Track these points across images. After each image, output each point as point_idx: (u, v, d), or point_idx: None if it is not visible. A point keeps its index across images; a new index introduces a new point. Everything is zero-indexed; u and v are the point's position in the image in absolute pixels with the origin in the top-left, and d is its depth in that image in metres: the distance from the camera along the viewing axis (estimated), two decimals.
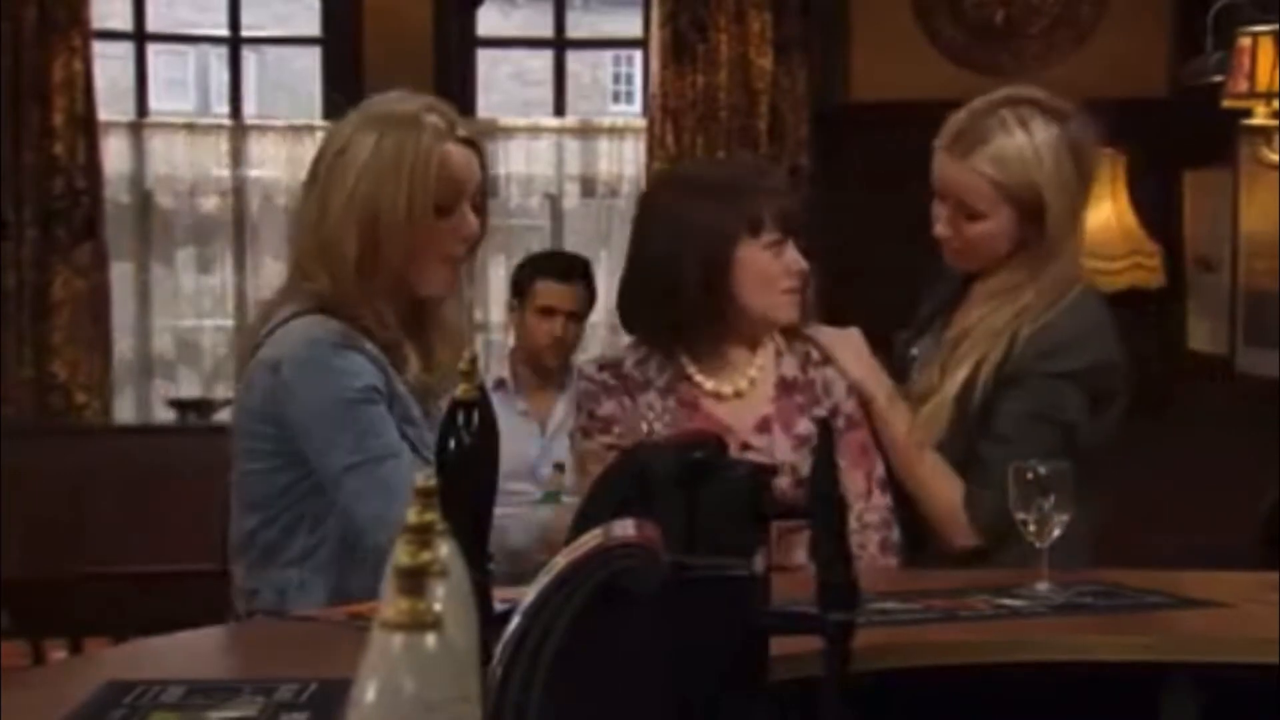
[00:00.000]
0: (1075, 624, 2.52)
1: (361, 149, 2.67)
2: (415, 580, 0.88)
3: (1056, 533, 2.65)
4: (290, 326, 2.67)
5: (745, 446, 2.82)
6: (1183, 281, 5.96)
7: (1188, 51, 5.98)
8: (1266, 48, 4.07)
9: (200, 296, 6.60)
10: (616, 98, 11.24)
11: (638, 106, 8.94)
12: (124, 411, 6.36)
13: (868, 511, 2.88)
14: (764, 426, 2.86)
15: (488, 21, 6.56)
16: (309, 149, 6.51)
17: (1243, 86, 4.12)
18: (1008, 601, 2.59)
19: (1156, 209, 5.93)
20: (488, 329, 6.58)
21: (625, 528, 1.62)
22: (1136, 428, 5.55)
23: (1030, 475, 2.65)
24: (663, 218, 2.90)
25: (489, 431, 1.75)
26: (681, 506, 1.96)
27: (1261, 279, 5.45)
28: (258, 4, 7.21)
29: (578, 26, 6.91)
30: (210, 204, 6.55)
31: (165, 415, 6.32)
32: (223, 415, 6.23)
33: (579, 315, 4.77)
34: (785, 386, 2.90)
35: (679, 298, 2.83)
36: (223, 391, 6.52)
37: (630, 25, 7.20)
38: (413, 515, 0.90)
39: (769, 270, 2.83)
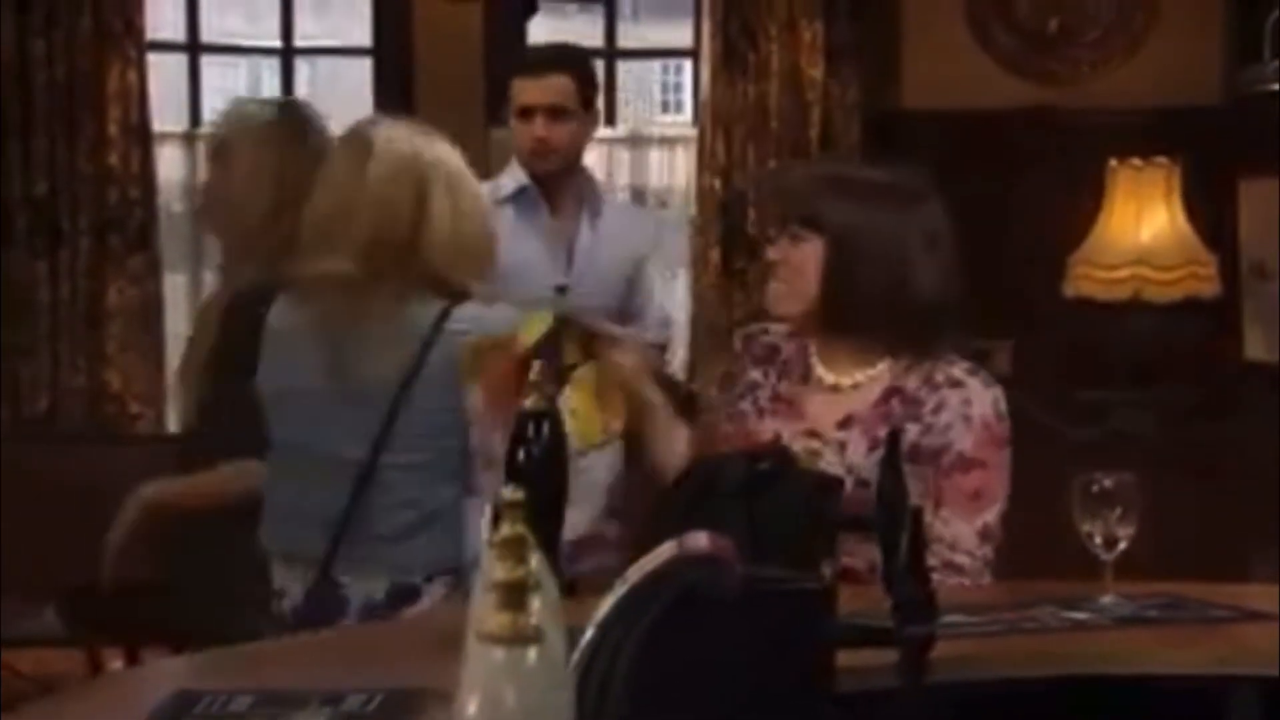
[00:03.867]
0: (1142, 636, 2.51)
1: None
2: (516, 594, 0.87)
3: (1122, 545, 2.63)
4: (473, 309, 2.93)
5: (812, 434, 2.83)
6: (1239, 290, 5.92)
7: (1242, 58, 5.95)
8: None
9: None
10: (665, 107, 11.25)
11: (686, 116, 8.94)
12: (174, 420, 6.37)
13: (969, 559, 2.84)
14: (847, 423, 2.86)
15: (538, 31, 6.56)
16: None
17: None
18: (1073, 614, 2.58)
19: (1212, 217, 5.89)
20: None
21: (698, 539, 1.62)
22: (1197, 436, 5.55)
23: (1096, 488, 2.64)
24: None
25: (558, 442, 1.75)
26: (747, 516, 1.96)
27: None
28: (310, 14, 7.22)
29: (627, 36, 6.90)
30: None
31: None
32: None
33: (564, 110, 4.13)
34: (892, 393, 2.88)
35: None
36: None
37: (679, 35, 7.19)
38: (505, 528, 0.90)
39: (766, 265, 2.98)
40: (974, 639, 2.41)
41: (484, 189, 3.75)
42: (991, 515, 2.85)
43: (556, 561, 1.81)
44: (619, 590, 1.51)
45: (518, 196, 4.31)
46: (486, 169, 6.49)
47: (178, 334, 6.32)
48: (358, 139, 3.12)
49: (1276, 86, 5.13)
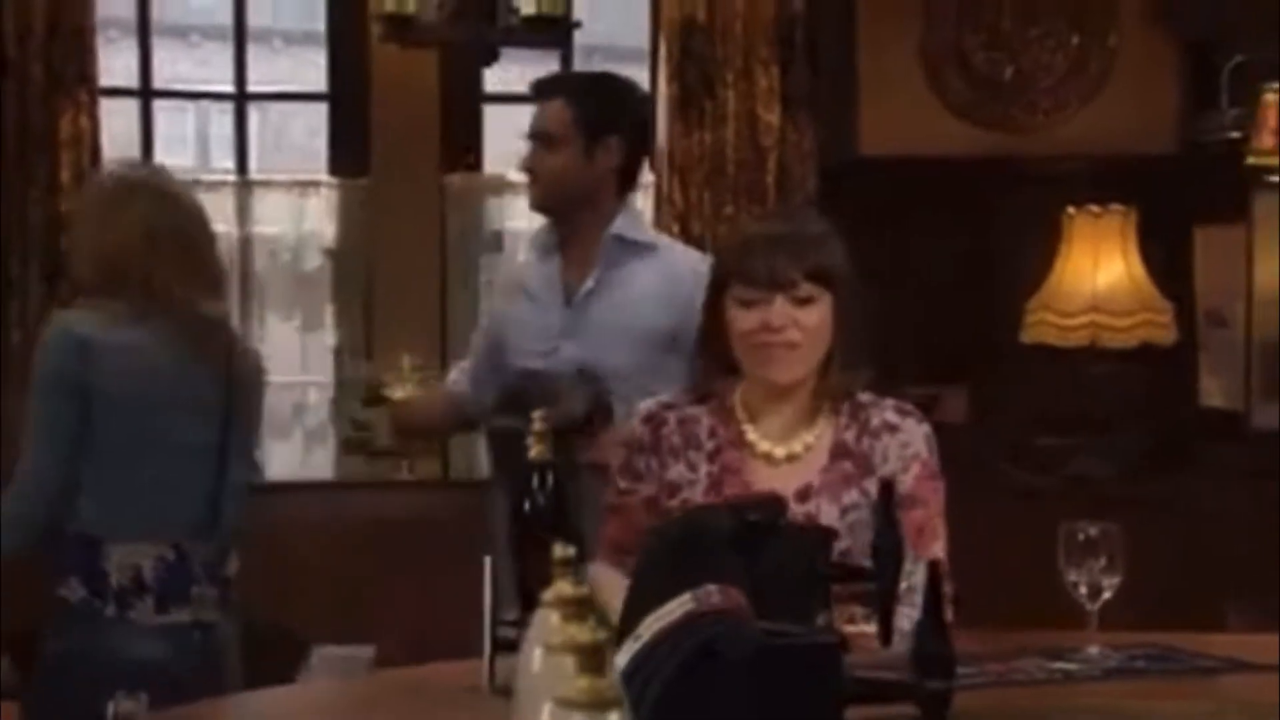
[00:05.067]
0: (1132, 689, 2.49)
1: None
2: (595, 658, 0.84)
3: (1107, 595, 2.62)
4: None
5: None
6: (1194, 338, 5.94)
7: (1197, 107, 5.98)
8: None
9: None
10: None
11: None
12: None
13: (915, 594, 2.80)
14: (805, 495, 2.78)
15: (494, 79, 6.54)
16: (315, 205, 6.54)
17: (1269, 143, 4.11)
18: (1061, 665, 2.56)
19: (1167, 265, 5.91)
20: None
21: (711, 594, 1.59)
22: (1154, 483, 5.56)
23: (1081, 536, 2.63)
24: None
25: (564, 493, 1.72)
26: (739, 568, 1.93)
27: (1277, 334, 5.43)
28: (261, 60, 7.18)
29: None
30: None
31: None
32: None
33: (552, 138, 3.84)
34: (840, 451, 2.83)
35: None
36: None
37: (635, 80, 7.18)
38: (567, 588, 0.86)
39: (737, 323, 2.80)
40: (965, 692, 2.38)
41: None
42: (939, 549, 2.84)
43: None
44: (635, 644, 1.47)
45: (537, 238, 4.00)
46: (441, 215, 6.53)
47: None
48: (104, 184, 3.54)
49: (1234, 134, 5.15)
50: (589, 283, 3.78)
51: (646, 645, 1.45)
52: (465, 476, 6.40)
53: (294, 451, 6.62)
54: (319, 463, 6.61)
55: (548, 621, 0.94)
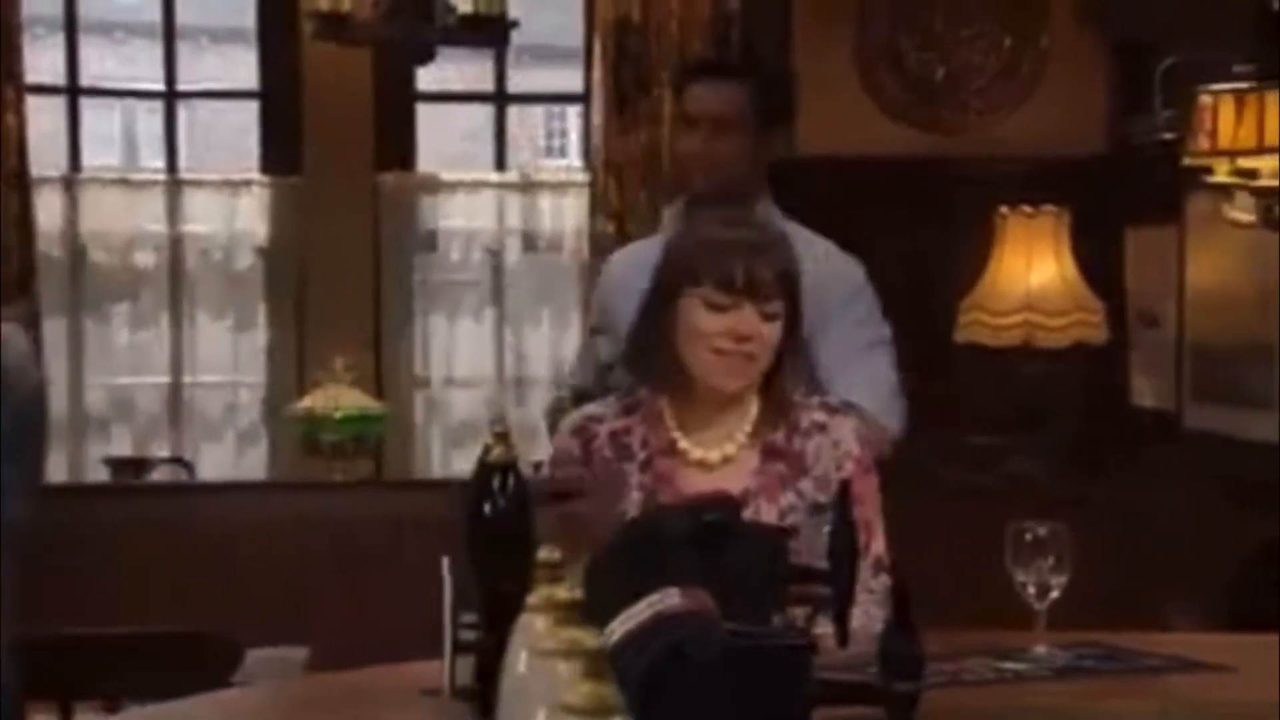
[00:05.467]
0: (1081, 688, 2.49)
1: None
2: (599, 664, 0.82)
3: (1055, 594, 2.62)
4: None
5: None
6: (1126, 338, 5.98)
7: (1129, 109, 6.02)
8: (1228, 107, 4.09)
9: (135, 353, 6.49)
10: (549, 152, 11.24)
11: (571, 160, 8.92)
12: (56, 471, 6.23)
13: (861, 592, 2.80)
14: (743, 499, 2.69)
15: (427, 77, 6.51)
16: (246, 203, 6.50)
17: (1204, 145, 4.14)
18: (1009, 665, 2.56)
19: (1099, 265, 5.95)
20: (429, 385, 6.51)
21: (672, 597, 1.57)
22: (1087, 481, 5.59)
23: (1029, 536, 2.63)
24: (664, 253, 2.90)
25: (523, 495, 1.70)
26: (697, 569, 1.92)
27: (1208, 334, 5.47)
28: (190, 57, 7.12)
29: (515, 81, 6.87)
30: (145, 259, 6.46)
31: (99, 474, 6.20)
32: (158, 475, 6.15)
33: (735, 123, 3.62)
34: (771, 453, 2.81)
35: (632, 353, 2.85)
36: (157, 450, 6.43)
37: (566, 80, 7.18)
38: (560, 592, 0.85)
39: (699, 326, 2.74)
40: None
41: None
42: (878, 545, 2.84)
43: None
44: (602, 646, 1.45)
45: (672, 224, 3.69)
46: (374, 214, 6.49)
47: (56, 381, 6.20)
48: None
49: (1167, 136, 5.18)
50: None
51: (616, 647, 1.44)
52: (399, 477, 6.39)
53: (226, 452, 6.57)
54: (251, 463, 6.57)
55: (533, 626, 0.93)
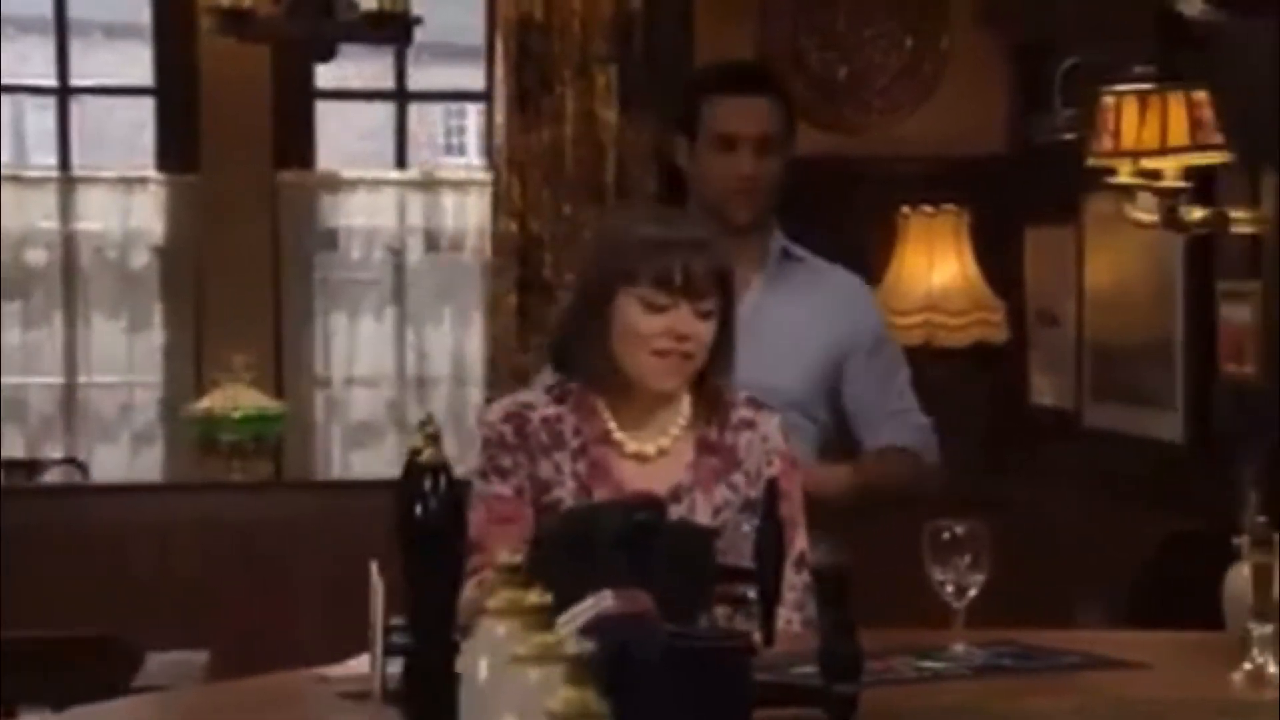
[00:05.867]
0: (1000, 686, 2.49)
1: None
2: (583, 671, 0.81)
3: (972, 593, 2.63)
4: None
5: None
6: (1025, 337, 6.03)
7: (1029, 109, 6.06)
8: (1130, 107, 4.13)
9: (27, 353, 6.39)
10: (449, 150, 11.19)
11: (471, 159, 8.89)
12: None
13: (785, 590, 2.80)
14: (677, 494, 2.73)
15: (326, 74, 6.46)
16: (141, 201, 6.42)
17: (1107, 145, 4.17)
18: (930, 664, 2.56)
19: (999, 265, 5.99)
20: (329, 384, 6.46)
21: (608, 599, 1.56)
22: (988, 483, 5.62)
23: (946, 535, 2.63)
24: (584, 257, 2.88)
25: (456, 497, 1.68)
26: (628, 568, 1.91)
27: (1108, 333, 5.52)
28: (83, 52, 7.01)
29: (412, 79, 6.82)
30: (38, 257, 6.36)
31: None
32: (51, 476, 6.06)
33: (774, 141, 3.43)
34: (705, 448, 2.81)
35: (566, 350, 2.83)
36: (51, 451, 6.33)
37: (466, 78, 7.14)
38: (532, 596, 0.83)
39: (636, 325, 2.72)
40: None
41: None
42: (802, 540, 2.84)
43: (455, 622, 1.74)
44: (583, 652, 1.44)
45: None
46: (273, 212, 6.43)
47: None
48: None
49: (1068, 136, 5.22)
50: (752, 296, 3.38)
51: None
52: (299, 477, 6.33)
53: (121, 453, 6.49)
54: (147, 464, 6.48)
55: (494, 631, 0.91)
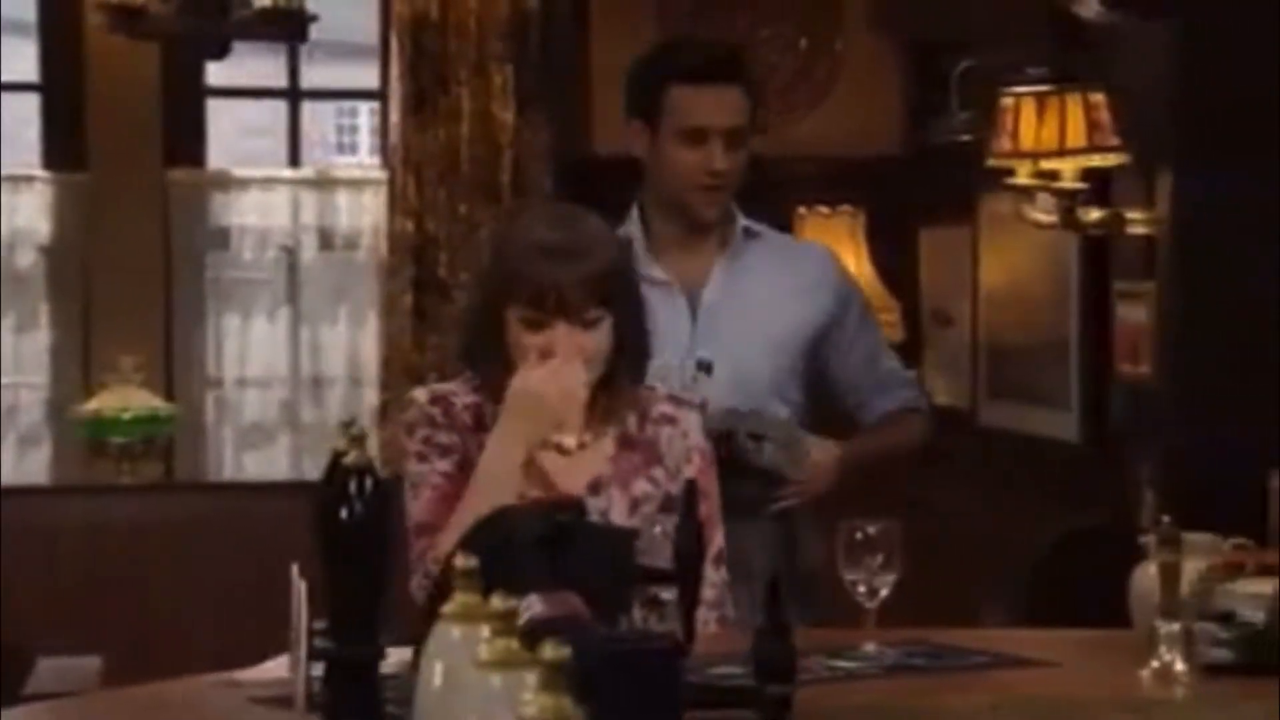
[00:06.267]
0: (913, 685, 2.50)
1: None
2: (557, 676, 0.79)
3: (884, 592, 2.63)
4: None
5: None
6: (920, 337, 6.07)
7: (923, 110, 6.10)
8: (1029, 108, 4.16)
9: None
10: (340, 149, 11.12)
11: (363, 158, 8.83)
12: None
13: (705, 588, 2.79)
14: (596, 487, 2.73)
15: (217, 72, 6.39)
16: (27, 200, 6.31)
17: (1006, 146, 4.20)
18: (841, 663, 2.56)
19: (894, 265, 6.03)
20: (221, 385, 6.38)
21: (536, 603, 1.54)
22: (884, 482, 5.64)
23: (859, 535, 2.63)
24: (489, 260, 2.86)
25: (383, 500, 1.66)
26: (549, 569, 1.90)
27: (1003, 333, 5.57)
28: None
29: (304, 77, 6.77)
30: None
31: None
32: None
33: (743, 133, 3.26)
34: (626, 442, 2.79)
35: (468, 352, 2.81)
36: None
37: (359, 77, 7.09)
38: (496, 601, 0.82)
39: (520, 342, 2.70)
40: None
41: None
42: (721, 538, 2.83)
43: (378, 628, 1.72)
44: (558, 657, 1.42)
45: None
46: (164, 211, 6.35)
47: None
48: None
49: (965, 137, 5.26)
50: (715, 281, 3.27)
51: None
52: (190, 479, 6.26)
53: (7, 455, 6.38)
54: (33, 467, 6.38)
55: (449, 636, 0.89)
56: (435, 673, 1.09)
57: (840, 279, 3.43)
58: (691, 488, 1.96)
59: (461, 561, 0.91)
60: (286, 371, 6.42)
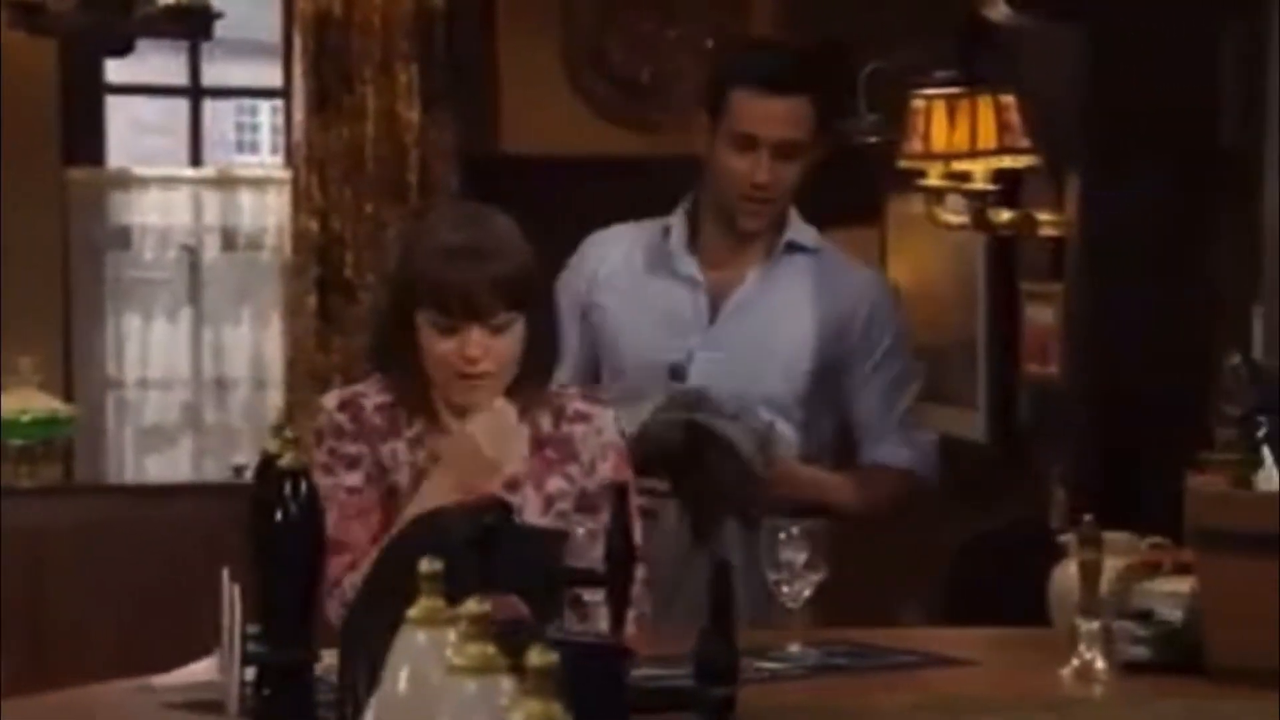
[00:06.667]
0: (837, 685, 2.50)
1: None
2: (549, 682, 0.78)
3: (807, 592, 2.63)
4: None
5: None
6: None
7: (826, 112, 6.10)
8: (940, 111, 4.18)
9: None
10: (240, 147, 11.02)
11: (264, 156, 8.75)
12: None
13: (638, 585, 2.78)
14: (513, 485, 2.73)
15: (117, 69, 6.30)
16: None
17: (917, 148, 4.23)
18: (766, 664, 2.56)
19: None
20: (122, 387, 6.30)
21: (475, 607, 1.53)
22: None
23: (783, 535, 2.64)
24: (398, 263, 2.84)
25: (315, 502, 1.63)
26: (477, 571, 1.88)
27: (910, 333, 5.57)
28: None
29: (206, 75, 6.69)
30: None
31: None
32: None
33: (798, 146, 3.19)
34: (539, 441, 2.79)
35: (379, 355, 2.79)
36: None
37: (261, 75, 7.02)
38: (471, 605, 0.80)
39: (434, 348, 2.68)
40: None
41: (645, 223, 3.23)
42: (638, 533, 2.81)
43: (312, 631, 1.69)
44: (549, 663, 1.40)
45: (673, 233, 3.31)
46: (63, 210, 6.25)
47: None
48: None
49: (873, 139, 5.27)
50: (743, 291, 3.23)
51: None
52: (90, 481, 6.18)
53: None
54: None
55: (414, 640, 0.87)
56: (400, 678, 1.07)
57: (880, 313, 3.31)
58: (622, 492, 1.96)
59: (426, 565, 0.89)
60: (188, 373, 6.35)
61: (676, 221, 3.31)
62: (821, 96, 3.23)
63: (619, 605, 2.01)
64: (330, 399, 2.81)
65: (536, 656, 0.79)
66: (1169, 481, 3.32)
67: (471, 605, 0.79)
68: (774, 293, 3.23)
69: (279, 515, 1.62)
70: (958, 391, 5.22)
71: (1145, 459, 3.97)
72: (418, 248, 2.76)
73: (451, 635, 0.93)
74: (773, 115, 3.14)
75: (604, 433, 2.83)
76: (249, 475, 6.16)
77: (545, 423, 2.79)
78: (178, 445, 6.37)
